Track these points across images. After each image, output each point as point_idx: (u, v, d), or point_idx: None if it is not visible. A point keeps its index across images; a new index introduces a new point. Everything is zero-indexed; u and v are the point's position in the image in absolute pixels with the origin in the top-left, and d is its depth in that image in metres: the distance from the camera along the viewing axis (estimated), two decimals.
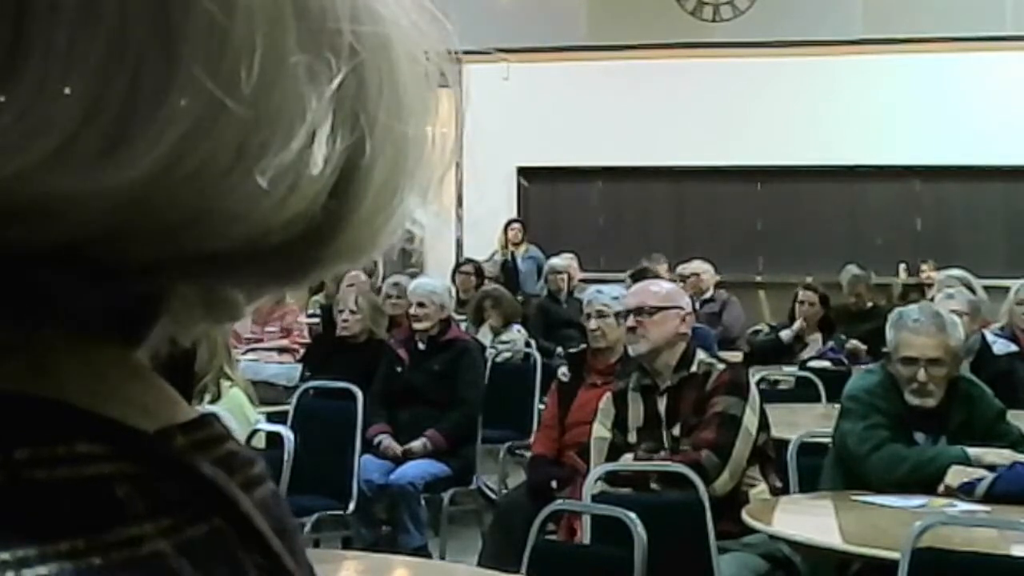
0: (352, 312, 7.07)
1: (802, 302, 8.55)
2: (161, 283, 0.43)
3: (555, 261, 10.66)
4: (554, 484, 5.51)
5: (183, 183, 0.38)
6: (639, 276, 8.20)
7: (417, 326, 6.66)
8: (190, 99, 0.37)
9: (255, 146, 0.38)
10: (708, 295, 10.43)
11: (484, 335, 8.65)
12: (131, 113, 0.36)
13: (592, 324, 5.76)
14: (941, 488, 4.23)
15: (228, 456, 0.45)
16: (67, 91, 0.35)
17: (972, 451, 4.31)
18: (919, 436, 4.47)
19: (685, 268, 10.78)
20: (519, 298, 10.64)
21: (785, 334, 8.41)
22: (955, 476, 4.23)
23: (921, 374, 4.43)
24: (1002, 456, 4.30)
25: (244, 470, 0.45)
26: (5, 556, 0.38)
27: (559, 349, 8.81)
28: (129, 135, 0.36)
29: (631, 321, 4.87)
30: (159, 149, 0.37)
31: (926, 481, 4.27)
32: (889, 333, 4.61)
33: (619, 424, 4.81)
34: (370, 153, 0.42)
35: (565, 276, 10.36)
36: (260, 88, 0.38)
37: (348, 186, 0.42)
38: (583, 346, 6.09)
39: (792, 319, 8.66)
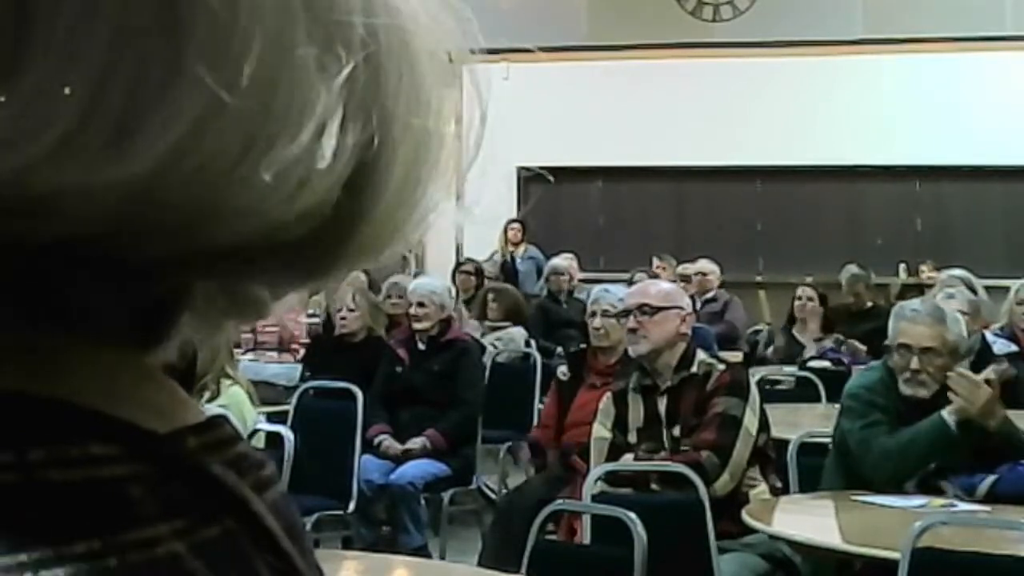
0: (350, 310, 7.08)
1: (799, 298, 8.56)
2: (179, 280, 0.44)
3: (558, 262, 10.64)
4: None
5: (189, 177, 0.38)
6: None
7: (417, 326, 6.66)
8: (194, 94, 0.37)
9: (262, 140, 0.38)
10: (710, 295, 10.44)
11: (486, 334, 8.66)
12: (134, 109, 0.36)
13: (596, 323, 5.74)
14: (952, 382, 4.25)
15: (239, 458, 0.45)
16: (68, 90, 0.35)
17: (946, 411, 4.34)
18: None
19: (688, 267, 10.78)
20: None
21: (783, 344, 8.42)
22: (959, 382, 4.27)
23: (914, 362, 4.44)
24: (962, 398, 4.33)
25: (255, 472, 0.45)
26: (22, 558, 0.38)
27: (559, 349, 8.81)
28: (133, 130, 0.36)
29: (632, 321, 4.87)
30: (163, 144, 0.37)
31: (922, 458, 4.28)
32: (890, 325, 4.63)
33: (619, 424, 4.81)
34: (388, 147, 0.42)
35: (567, 277, 10.37)
36: (265, 81, 0.38)
37: (365, 180, 0.42)
38: (583, 346, 6.09)
39: (792, 319, 8.66)
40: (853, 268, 10.10)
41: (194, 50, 0.36)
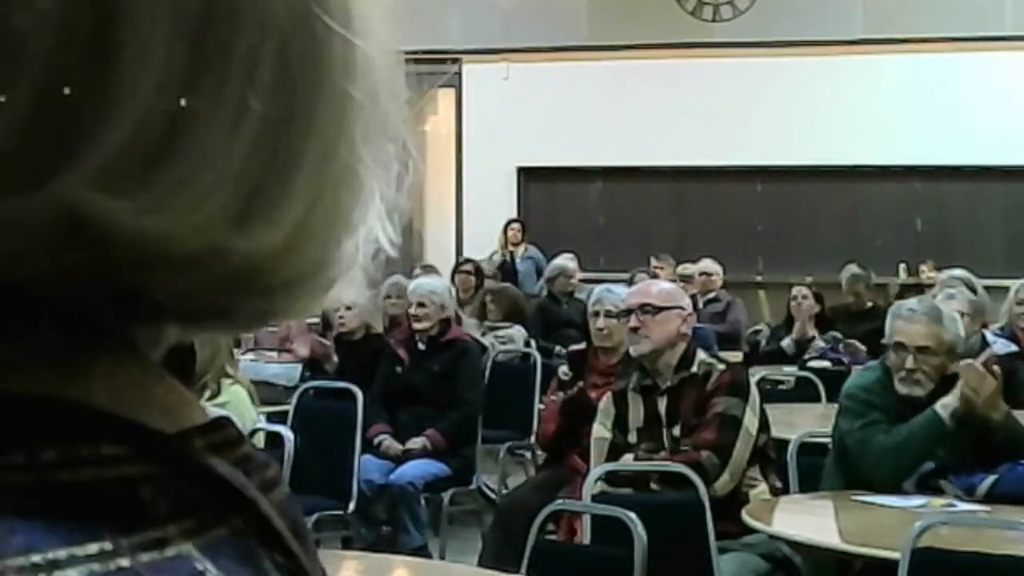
0: (347, 308, 7.09)
1: (795, 297, 8.56)
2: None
3: (565, 263, 10.58)
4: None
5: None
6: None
7: (417, 326, 6.66)
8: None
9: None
10: (713, 295, 10.44)
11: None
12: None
13: (600, 323, 5.73)
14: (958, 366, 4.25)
15: (245, 458, 0.45)
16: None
17: (939, 404, 4.34)
18: None
19: (688, 267, 10.77)
20: None
21: (786, 343, 8.39)
22: (965, 370, 4.28)
23: (909, 361, 4.44)
24: (956, 397, 4.32)
25: (261, 472, 0.46)
26: (36, 559, 0.39)
27: (558, 348, 8.82)
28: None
29: (634, 321, 4.86)
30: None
31: (919, 454, 4.29)
32: (887, 324, 4.63)
33: (619, 424, 4.81)
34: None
35: (572, 278, 10.36)
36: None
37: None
38: (583, 345, 6.07)
39: (789, 319, 8.66)
40: (853, 268, 10.10)
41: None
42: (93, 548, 0.40)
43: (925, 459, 4.32)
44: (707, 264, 10.75)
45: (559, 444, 5.73)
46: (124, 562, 0.40)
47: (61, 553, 0.39)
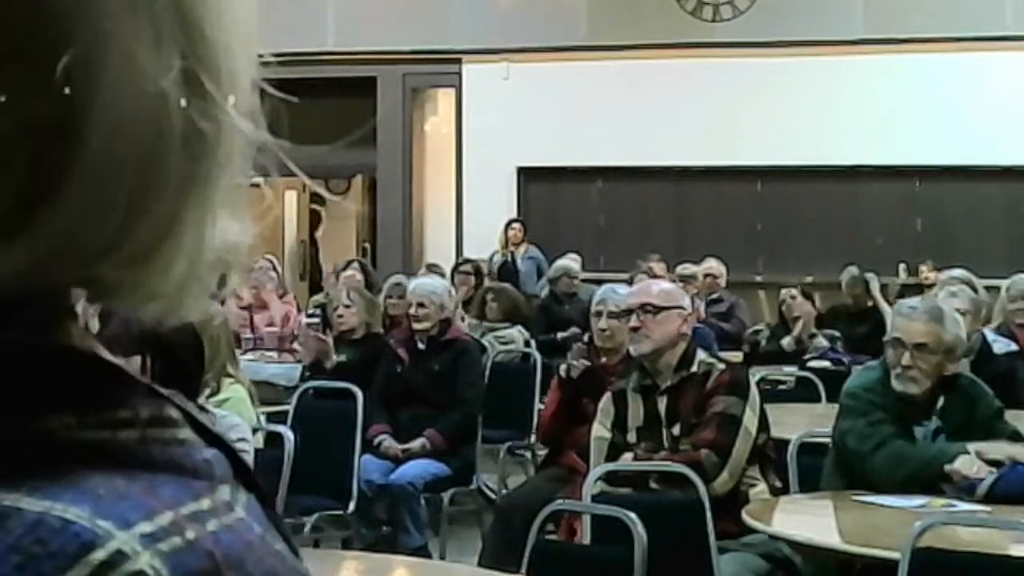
0: (346, 307, 7.09)
1: (783, 300, 8.56)
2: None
3: (569, 265, 10.56)
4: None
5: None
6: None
7: (417, 326, 6.66)
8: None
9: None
10: (716, 295, 10.44)
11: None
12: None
13: (602, 323, 5.70)
14: (948, 469, 4.22)
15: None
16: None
17: (973, 446, 4.31)
18: (917, 431, 4.46)
19: (689, 267, 10.75)
20: None
21: (786, 342, 8.39)
22: (964, 464, 4.23)
23: (906, 357, 4.43)
24: (1004, 451, 4.29)
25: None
26: (184, 511, 0.43)
27: (560, 335, 8.84)
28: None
29: (634, 320, 4.86)
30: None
31: (929, 481, 4.27)
32: (888, 321, 4.64)
33: (619, 424, 4.81)
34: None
35: (576, 279, 10.36)
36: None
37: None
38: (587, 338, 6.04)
39: (783, 321, 8.64)
40: (854, 270, 10.11)
41: None
42: (206, 504, 0.44)
43: (937, 481, 4.30)
44: (712, 265, 10.74)
45: (559, 431, 5.70)
46: (231, 518, 0.45)
47: (193, 506, 0.43)
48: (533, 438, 7.34)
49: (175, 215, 0.48)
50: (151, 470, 0.43)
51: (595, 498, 4.23)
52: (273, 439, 5.08)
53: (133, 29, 0.45)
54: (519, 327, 8.86)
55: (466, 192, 14.15)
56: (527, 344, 8.62)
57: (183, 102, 0.47)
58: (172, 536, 0.42)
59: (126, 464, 0.43)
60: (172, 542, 0.42)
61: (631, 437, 4.77)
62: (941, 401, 4.49)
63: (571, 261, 10.75)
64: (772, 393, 6.71)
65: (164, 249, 0.48)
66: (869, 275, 9.94)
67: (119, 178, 0.46)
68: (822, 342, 8.22)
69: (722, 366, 4.84)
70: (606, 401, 4.90)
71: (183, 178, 0.48)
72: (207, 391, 4.36)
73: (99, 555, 0.41)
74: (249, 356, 7.69)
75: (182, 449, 0.45)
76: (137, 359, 3.05)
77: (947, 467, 4.22)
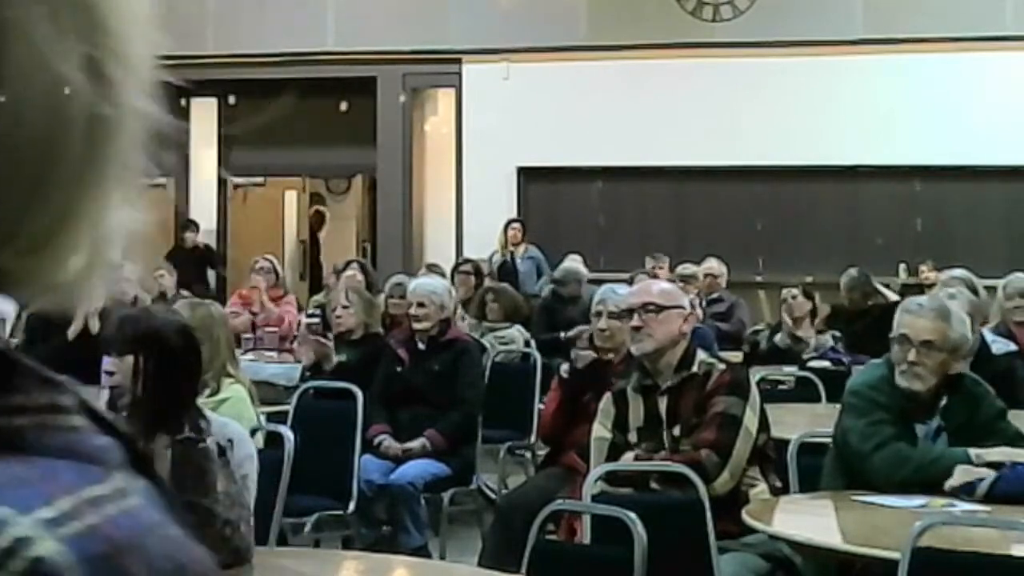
0: (344, 308, 7.09)
1: (784, 299, 8.55)
2: None
3: (577, 268, 10.51)
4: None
5: None
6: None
7: (417, 326, 6.66)
8: None
9: None
10: (716, 295, 10.43)
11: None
12: None
13: (602, 323, 5.69)
14: (947, 486, 4.23)
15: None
16: None
17: (975, 451, 4.31)
18: (919, 429, 4.46)
19: (689, 267, 10.74)
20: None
21: (779, 338, 8.38)
22: (961, 476, 4.23)
23: (912, 354, 4.43)
24: (1005, 455, 4.29)
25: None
26: (86, 495, 0.44)
27: (562, 335, 8.84)
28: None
29: (636, 320, 4.85)
30: None
31: (929, 482, 4.27)
32: (895, 318, 4.63)
33: (619, 424, 4.80)
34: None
35: (583, 283, 10.33)
36: None
37: None
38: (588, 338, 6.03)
39: (794, 321, 8.63)
40: (854, 271, 10.10)
41: None
42: (103, 489, 0.44)
43: (938, 483, 4.30)
44: (713, 265, 10.73)
45: (559, 431, 5.70)
46: (128, 504, 0.44)
47: (91, 492, 0.43)
48: (533, 438, 7.35)
49: (75, 202, 0.48)
50: (48, 456, 0.43)
51: (595, 498, 4.23)
52: (273, 439, 5.07)
53: (34, 15, 0.45)
54: (519, 327, 8.86)
55: (466, 192, 14.15)
56: (527, 344, 8.62)
57: (86, 88, 0.47)
58: (72, 521, 0.42)
59: (23, 450, 0.43)
60: (73, 527, 0.42)
61: (631, 437, 4.77)
62: (944, 400, 4.49)
63: (578, 264, 10.73)
64: (772, 393, 6.71)
65: (63, 237, 0.48)
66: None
67: (19, 165, 0.46)
68: (827, 339, 8.22)
69: (722, 366, 4.83)
70: (606, 401, 4.90)
71: (84, 164, 0.48)
72: (207, 391, 4.37)
73: (1, 542, 0.41)
74: (249, 356, 7.69)
75: (76, 436, 0.45)
76: (130, 358, 3.04)
77: (947, 485, 4.23)
